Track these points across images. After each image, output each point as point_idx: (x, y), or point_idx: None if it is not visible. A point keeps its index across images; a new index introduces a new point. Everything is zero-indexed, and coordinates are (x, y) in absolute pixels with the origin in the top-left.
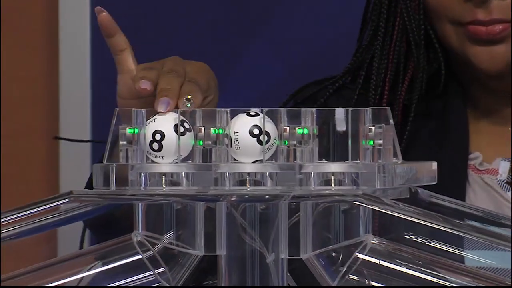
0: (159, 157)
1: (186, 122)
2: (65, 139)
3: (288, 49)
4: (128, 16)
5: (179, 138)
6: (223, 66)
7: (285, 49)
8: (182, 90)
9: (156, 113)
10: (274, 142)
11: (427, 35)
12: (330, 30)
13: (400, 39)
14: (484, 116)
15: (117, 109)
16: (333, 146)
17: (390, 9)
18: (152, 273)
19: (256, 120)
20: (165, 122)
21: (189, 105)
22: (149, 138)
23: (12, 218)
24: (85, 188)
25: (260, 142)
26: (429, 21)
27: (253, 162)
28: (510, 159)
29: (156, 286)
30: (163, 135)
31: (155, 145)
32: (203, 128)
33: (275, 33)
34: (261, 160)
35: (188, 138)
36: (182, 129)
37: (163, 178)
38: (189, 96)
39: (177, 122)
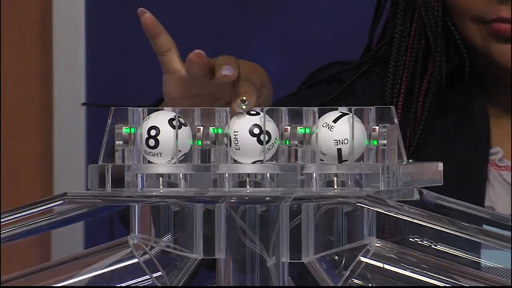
0: (156, 154)
1: (181, 117)
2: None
3: (289, 49)
4: (126, 16)
5: (176, 137)
6: None
7: (285, 49)
8: (237, 91)
9: (151, 113)
10: (275, 142)
11: (448, 32)
12: (330, 30)
13: (418, 36)
14: (506, 112)
15: (113, 108)
16: None
17: (408, 5)
18: (149, 277)
19: (257, 119)
20: (159, 117)
21: (244, 107)
22: (144, 136)
23: (5, 221)
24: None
25: (260, 141)
26: (450, 18)
27: (253, 163)
28: None
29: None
30: (158, 130)
31: (151, 142)
32: (201, 128)
33: (275, 32)
34: (261, 161)
35: (185, 133)
36: (177, 124)
37: (160, 179)
38: (244, 98)
39: (171, 117)
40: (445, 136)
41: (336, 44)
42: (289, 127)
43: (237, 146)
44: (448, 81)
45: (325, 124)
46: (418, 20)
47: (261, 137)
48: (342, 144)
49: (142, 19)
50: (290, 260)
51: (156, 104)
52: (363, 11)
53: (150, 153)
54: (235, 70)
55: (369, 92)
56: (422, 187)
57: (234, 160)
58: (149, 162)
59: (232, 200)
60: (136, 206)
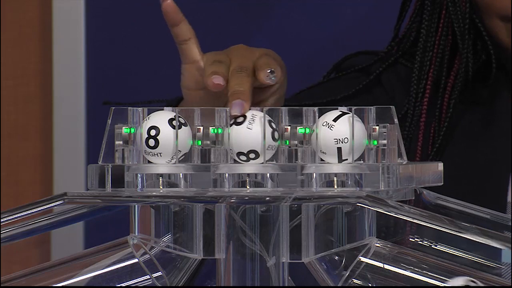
0: (156, 154)
1: (181, 117)
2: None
3: (289, 49)
4: (127, 15)
5: (176, 137)
6: None
7: (285, 49)
8: (260, 63)
9: (151, 113)
10: (276, 145)
11: (475, 28)
12: (330, 30)
13: (445, 32)
14: None
15: (113, 108)
16: None
17: (435, 1)
18: (149, 277)
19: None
20: (159, 117)
21: (273, 78)
22: (144, 136)
23: (5, 221)
24: None
25: (272, 138)
26: (477, 15)
27: (251, 153)
28: None
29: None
30: (158, 130)
31: (151, 142)
32: (201, 128)
33: (275, 32)
34: (254, 152)
35: (185, 133)
36: (177, 124)
37: (160, 179)
38: (272, 69)
39: (171, 117)
40: (470, 131)
41: (336, 44)
42: (289, 127)
43: (251, 126)
44: (474, 76)
45: (325, 123)
46: (445, 16)
47: (275, 134)
48: (342, 143)
49: (163, 6)
50: (290, 260)
51: (175, 103)
52: (363, 11)
53: (150, 153)
54: (246, 104)
55: (396, 84)
56: (422, 187)
57: (234, 161)
58: (149, 162)
59: (232, 200)
60: (136, 206)
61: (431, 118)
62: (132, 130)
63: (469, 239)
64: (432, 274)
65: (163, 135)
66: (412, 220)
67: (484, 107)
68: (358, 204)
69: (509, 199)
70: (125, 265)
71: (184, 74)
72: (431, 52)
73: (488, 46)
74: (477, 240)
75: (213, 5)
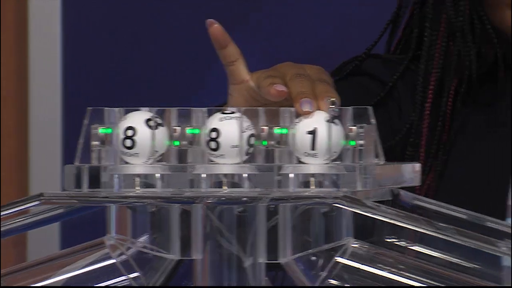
0: (133, 154)
1: (157, 117)
2: None
3: (288, 48)
4: (103, 16)
5: (153, 137)
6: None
7: (285, 48)
8: (318, 91)
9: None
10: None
11: (481, 24)
12: (330, 29)
13: (446, 39)
14: None
15: (90, 108)
16: None
17: (436, 8)
18: (126, 277)
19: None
20: (136, 118)
21: (335, 108)
22: (121, 136)
23: None
24: None
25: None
26: (485, 11)
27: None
28: None
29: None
30: (135, 131)
31: (128, 142)
32: (178, 128)
33: (275, 31)
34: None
35: (162, 133)
36: (153, 124)
37: (137, 180)
38: (333, 99)
39: (147, 117)
40: (474, 131)
41: (336, 44)
42: (266, 128)
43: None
44: (482, 78)
45: (298, 119)
46: (446, 20)
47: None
48: (314, 129)
49: (211, 30)
50: (267, 260)
51: None
52: (363, 11)
53: (127, 153)
54: (314, 102)
55: (406, 91)
56: (399, 188)
57: (211, 161)
58: (126, 162)
59: (209, 201)
60: (113, 206)
61: (435, 121)
62: (109, 130)
63: (446, 239)
64: (409, 274)
65: (139, 136)
66: (388, 221)
67: (489, 108)
68: (335, 204)
69: (509, 202)
70: (102, 266)
71: (232, 95)
72: (433, 60)
73: (495, 45)
74: (454, 241)
75: (211, 5)
